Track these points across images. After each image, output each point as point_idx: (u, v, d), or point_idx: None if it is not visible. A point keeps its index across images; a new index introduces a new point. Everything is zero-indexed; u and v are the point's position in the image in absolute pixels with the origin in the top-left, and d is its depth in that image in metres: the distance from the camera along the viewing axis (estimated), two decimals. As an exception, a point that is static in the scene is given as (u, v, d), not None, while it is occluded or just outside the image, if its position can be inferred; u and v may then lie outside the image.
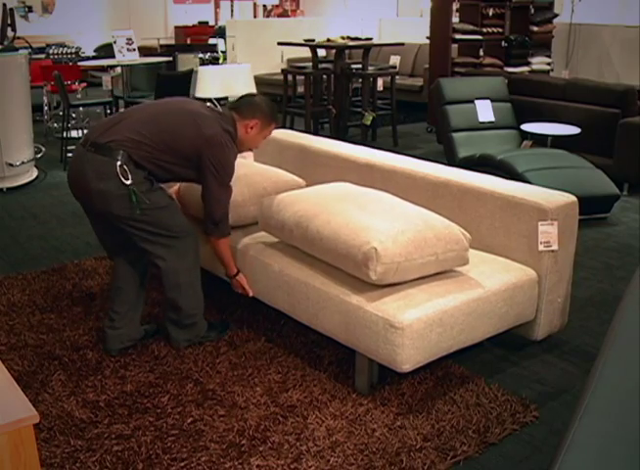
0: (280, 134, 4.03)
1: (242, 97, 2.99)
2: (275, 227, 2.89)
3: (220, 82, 4.48)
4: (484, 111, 5.92)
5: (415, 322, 2.40)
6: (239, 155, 2.91)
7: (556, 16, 8.02)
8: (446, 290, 2.56)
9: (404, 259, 2.46)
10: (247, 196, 3.21)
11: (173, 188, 3.40)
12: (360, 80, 7.44)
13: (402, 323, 2.38)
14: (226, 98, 6.30)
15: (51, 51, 10.19)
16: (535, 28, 7.81)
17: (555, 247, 2.73)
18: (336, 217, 2.63)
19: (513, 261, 2.84)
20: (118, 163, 2.62)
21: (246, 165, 3.42)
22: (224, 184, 2.82)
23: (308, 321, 2.78)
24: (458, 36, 7.24)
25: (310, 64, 7.60)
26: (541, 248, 2.73)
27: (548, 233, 2.71)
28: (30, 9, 12.31)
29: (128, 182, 2.62)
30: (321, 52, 8.22)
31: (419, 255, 2.50)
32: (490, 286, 2.65)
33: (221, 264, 3.06)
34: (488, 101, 5.98)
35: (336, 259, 2.60)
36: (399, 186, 3.24)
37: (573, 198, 2.82)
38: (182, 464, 2.24)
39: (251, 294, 3.05)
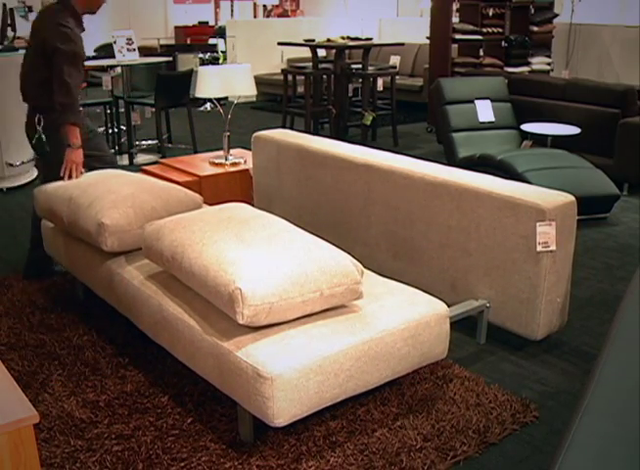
0: (278, 134, 4.03)
1: None
2: (155, 256, 2.62)
3: (220, 82, 4.47)
4: (484, 111, 5.92)
5: (287, 372, 2.10)
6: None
7: (556, 16, 8.03)
8: (332, 330, 2.27)
9: (279, 299, 2.17)
10: (132, 218, 2.91)
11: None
12: (360, 80, 7.44)
13: (271, 373, 2.08)
14: (226, 98, 6.30)
15: (51, 51, 10.17)
16: (535, 28, 7.82)
17: (553, 247, 2.73)
18: (208, 249, 2.35)
19: (423, 293, 2.59)
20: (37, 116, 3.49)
21: (133, 183, 3.13)
22: (71, 62, 3.34)
23: (187, 362, 2.50)
24: (458, 36, 7.25)
25: (310, 64, 7.60)
26: (539, 248, 2.72)
27: (546, 234, 2.71)
28: (30, 9, 12.29)
29: (39, 127, 3.48)
30: (321, 52, 8.22)
31: (298, 292, 2.20)
32: (387, 325, 2.35)
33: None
34: (488, 101, 5.98)
35: (209, 296, 2.32)
36: (397, 186, 3.24)
37: (572, 198, 2.82)
38: (182, 464, 2.25)
39: (76, 175, 3.37)
